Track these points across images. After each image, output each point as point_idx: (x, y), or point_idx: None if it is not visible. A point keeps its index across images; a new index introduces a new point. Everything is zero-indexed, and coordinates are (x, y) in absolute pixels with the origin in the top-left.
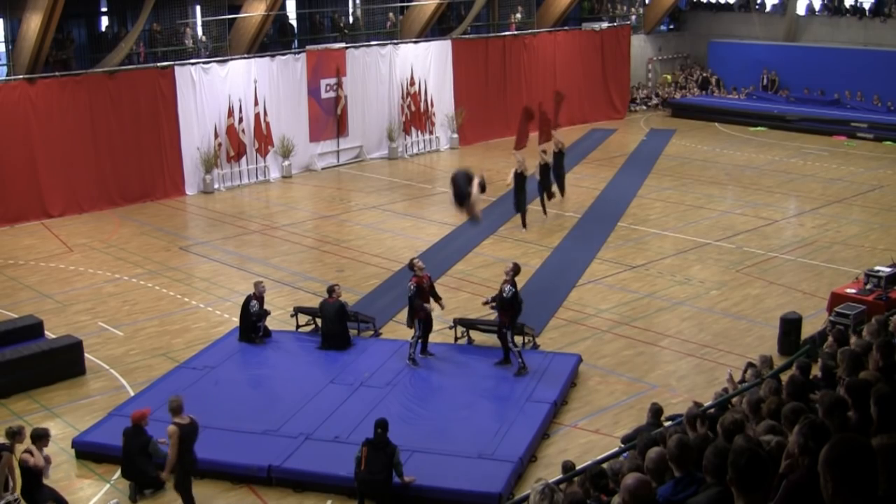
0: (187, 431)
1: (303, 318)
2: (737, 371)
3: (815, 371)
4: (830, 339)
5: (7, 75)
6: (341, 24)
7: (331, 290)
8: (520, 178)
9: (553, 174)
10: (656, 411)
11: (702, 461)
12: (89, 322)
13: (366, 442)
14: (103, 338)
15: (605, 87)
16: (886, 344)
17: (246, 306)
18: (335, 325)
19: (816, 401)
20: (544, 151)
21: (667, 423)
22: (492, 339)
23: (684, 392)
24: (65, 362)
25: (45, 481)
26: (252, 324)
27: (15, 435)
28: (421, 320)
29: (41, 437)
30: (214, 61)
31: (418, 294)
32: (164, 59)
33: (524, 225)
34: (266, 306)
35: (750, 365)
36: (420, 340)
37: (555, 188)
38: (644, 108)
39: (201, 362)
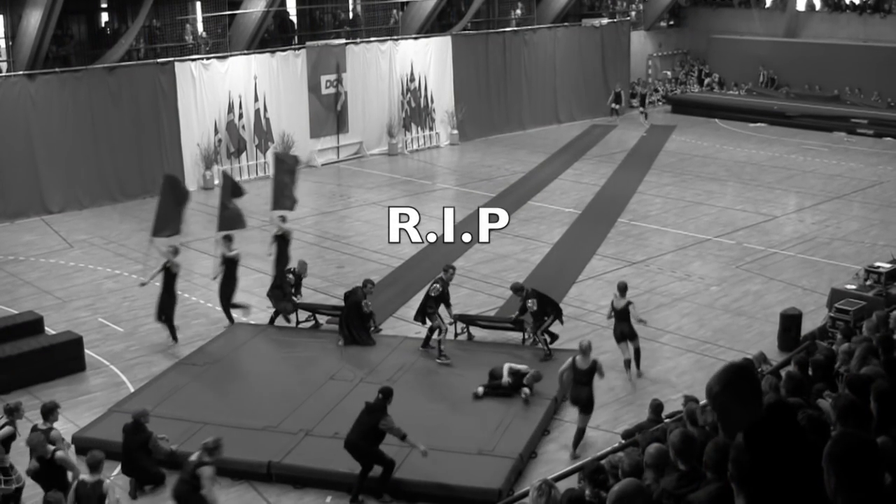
0: None
1: (302, 315)
2: None
3: None
4: (839, 335)
5: (7, 71)
6: (341, 20)
7: (365, 284)
8: (169, 276)
9: (276, 265)
10: (657, 407)
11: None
12: (89, 318)
13: (365, 404)
14: (103, 334)
15: (606, 83)
16: (887, 339)
17: (358, 306)
18: (351, 317)
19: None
20: (227, 238)
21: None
22: (492, 336)
23: (684, 388)
24: (65, 358)
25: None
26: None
27: (13, 412)
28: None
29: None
30: (214, 57)
31: (441, 298)
32: (164, 55)
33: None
34: (264, 303)
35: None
36: (438, 339)
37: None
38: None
39: (201, 358)
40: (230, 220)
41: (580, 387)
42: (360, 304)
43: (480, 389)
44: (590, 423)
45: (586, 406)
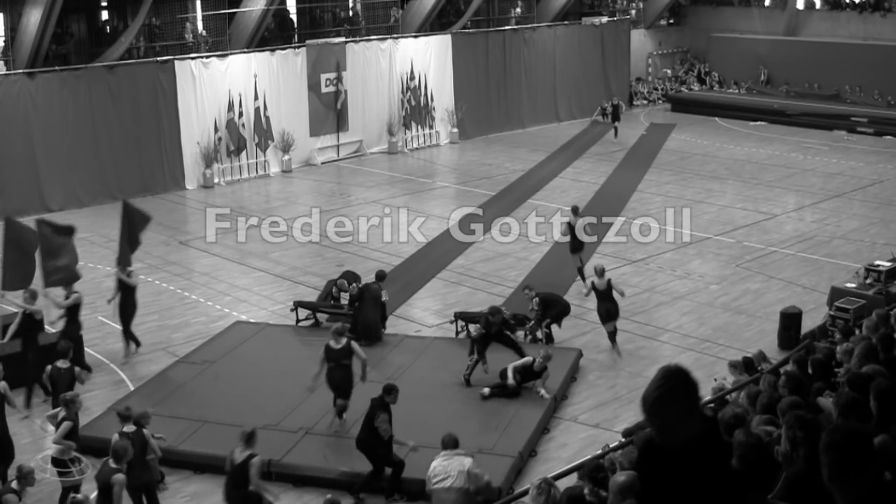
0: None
1: (302, 313)
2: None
3: None
4: (838, 334)
5: (7, 70)
6: (341, 19)
7: (381, 276)
8: (31, 324)
9: (120, 314)
10: None
11: None
12: (89, 316)
13: (371, 402)
14: (103, 332)
15: (606, 81)
16: (887, 337)
17: (377, 300)
18: (374, 313)
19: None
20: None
21: None
22: None
23: None
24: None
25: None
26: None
27: (70, 404)
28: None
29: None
30: (214, 56)
31: (482, 340)
32: (164, 53)
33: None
34: (264, 301)
35: (731, 366)
36: (475, 365)
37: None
38: (645, 102)
39: (201, 357)
40: (127, 251)
41: (607, 302)
42: (380, 296)
43: (486, 391)
44: (590, 421)
45: (615, 315)
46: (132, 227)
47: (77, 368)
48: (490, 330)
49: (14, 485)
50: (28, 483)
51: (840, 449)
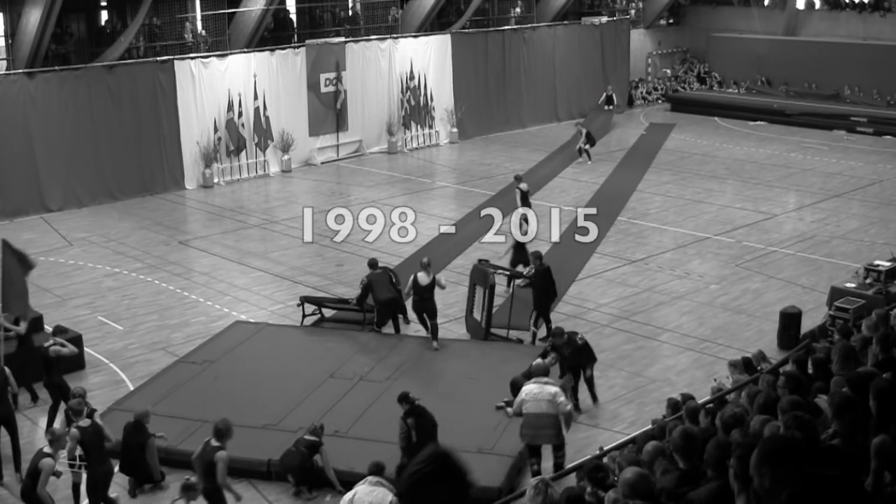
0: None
1: (308, 308)
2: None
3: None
4: (837, 334)
5: (6, 69)
6: (341, 18)
7: (374, 264)
8: None
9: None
10: (675, 405)
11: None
12: (89, 316)
13: (408, 413)
14: (103, 332)
15: (605, 81)
16: (886, 337)
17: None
18: (391, 291)
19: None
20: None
21: None
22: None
23: (683, 386)
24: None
25: None
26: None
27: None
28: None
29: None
30: (214, 56)
31: (565, 362)
32: (164, 53)
33: None
34: (264, 301)
35: (731, 365)
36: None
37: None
38: (642, 101)
39: (201, 357)
40: (15, 299)
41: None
42: (389, 279)
43: (502, 403)
44: (589, 421)
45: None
46: (14, 269)
47: (55, 346)
48: (563, 353)
49: (46, 448)
50: (60, 446)
51: (774, 459)
